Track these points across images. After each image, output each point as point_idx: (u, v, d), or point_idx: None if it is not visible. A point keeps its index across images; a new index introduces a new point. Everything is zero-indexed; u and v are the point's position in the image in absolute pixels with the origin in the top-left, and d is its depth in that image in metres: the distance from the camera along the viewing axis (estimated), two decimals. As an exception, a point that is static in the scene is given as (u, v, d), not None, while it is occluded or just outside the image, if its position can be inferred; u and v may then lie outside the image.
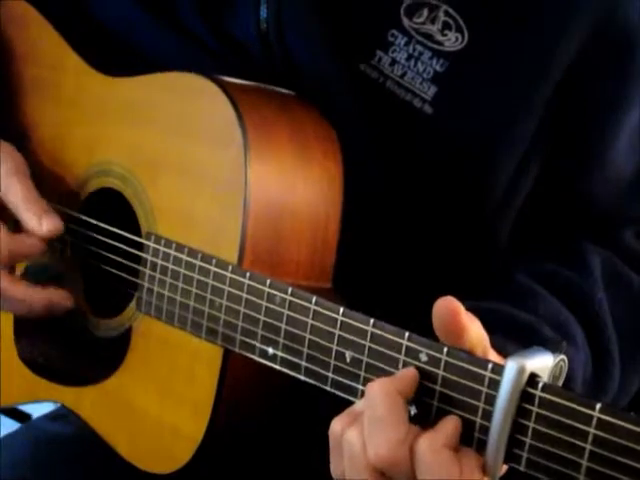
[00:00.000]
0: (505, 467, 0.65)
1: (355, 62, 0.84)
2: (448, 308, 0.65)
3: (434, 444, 0.64)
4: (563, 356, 0.66)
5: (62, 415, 1.00)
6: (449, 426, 0.65)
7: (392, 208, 0.86)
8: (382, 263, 0.88)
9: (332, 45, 0.84)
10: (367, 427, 0.65)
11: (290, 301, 0.75)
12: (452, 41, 0.81)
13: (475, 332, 0.67)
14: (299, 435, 0.83)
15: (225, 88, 0.81)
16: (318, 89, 0.85)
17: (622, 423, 0.59)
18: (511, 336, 0.75)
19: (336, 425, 0.68)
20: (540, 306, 0.81)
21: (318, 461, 0.73)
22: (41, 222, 0.88)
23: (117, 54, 0.94)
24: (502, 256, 0.89)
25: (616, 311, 0.84)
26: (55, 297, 0.90)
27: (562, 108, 0.84)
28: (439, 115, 0.83)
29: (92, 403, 0.91)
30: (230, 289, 0.79)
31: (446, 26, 0.81)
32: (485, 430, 0.64)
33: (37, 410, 1.06)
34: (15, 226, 0.90)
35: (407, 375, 0.67)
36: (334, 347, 0.72)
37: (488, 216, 0.86)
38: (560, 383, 0.67)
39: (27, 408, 1.30)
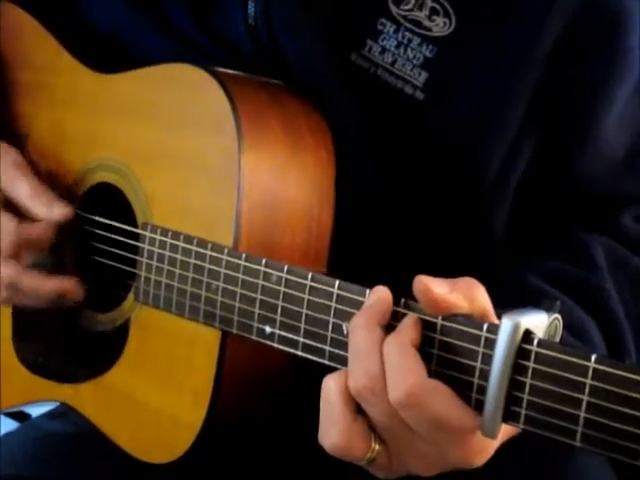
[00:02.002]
0: (504, 427, 0.65)
1: (346, 53, 0.85)
2: (419, 287, 0.66)
3: (399, 341, 0.66)
4: (557, 315, 0.67)
5: (61, 413, 1.00)
6: (408, 322, 0.67)
7: (385, 196, 0.87)
8: (376, 250, 0.88)
9: (322, 37, 0.85)
10: (349, 362, 0.67)
11: (286, 279, 0.76)
12: (440, 26, 0.83)
13: (462, 298, 0.67)
14: (298, 419, 0.83)
15: (218, 78, 0.83)
16: (309, 82, 0.86)
17: (618, 372, 0.60)
18: None
19: (324, 382, 0.69)
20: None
21: (318, 445, 0.73)
22: (52, 209, 0.89)
23: (109, 54, 0.95)
24: (499, 244, 0.89)
25: (623, 298, 0.85)
26: (66, 286, 0.89)
27: (552, 86, 0.85)
28: (430, 101, 0.84)
29: (92, 398, 0.91)
30: (226, 271, 0.79)
31: (434, 12, 0.83)
32: (483, 390, 0.65)
33: (36, 410, 1.06)
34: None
35: (377, 301, 0.68)
36: (331, 320, 0.73)
37: (482, 200, 0.87)
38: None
39: (26, 408, 1.30)
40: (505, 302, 0.78)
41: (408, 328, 0.67)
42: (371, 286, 0.72)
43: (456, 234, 0.88)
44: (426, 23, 0.83)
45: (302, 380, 0.80)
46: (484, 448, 0.68)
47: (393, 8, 0.83)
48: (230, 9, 0.88)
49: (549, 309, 0.66)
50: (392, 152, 0.85)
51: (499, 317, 0.69)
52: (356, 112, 0.85)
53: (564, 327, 0.77)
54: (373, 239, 0.88)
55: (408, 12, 0.83)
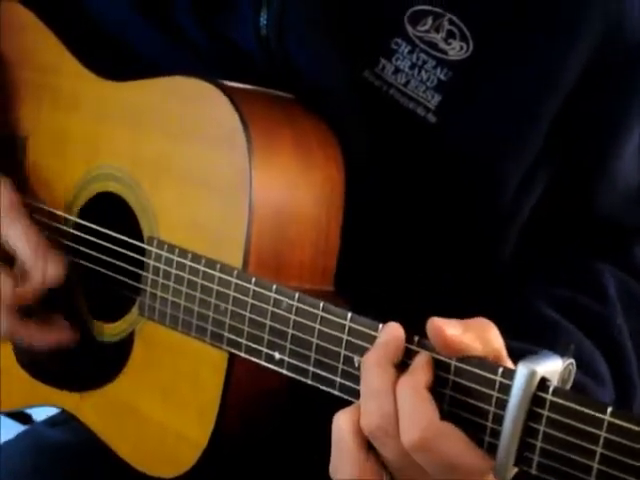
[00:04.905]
0: (515, 469, 0.66)
1: (358, 69, 0.84)
2: (432, 329, 0.66)
3: (412, 383, 0.66)
4: (572, 360, 0.67)
5: (62, 421, 1.00)
6: (421, 363, 0.66)
7: (393, 215, 0.86)
8: (383, 268, 0.88)
9: (335, 52, 0.84)
10: (362, 401, 0.67)
11: (297, 307, 0.75)
12: (456, 50, 0.81)
13: (475, 339, 0.67)
14: (305, 439, 0.84)
15: (228, 93, 0.81)
16: (319, 96, 0.85)
17: (633, 426, 0.60)
18: None
19: (336, 418, 0.69)
20: (563, 341, 0.81)
21: (323, 465, 0.73)
22: (45, 268, 0.89)
23: (115, 58, 0.93)
24: (508, 266, 0.89)
25: (632, 331, 0.85)
26: (59, 340, 0.91)
27: (569, 118, 0.84)
28: (442, 124, 0.83)
29: (94, 408, 0.90)
30: (235, 294, 0.79)
31: (450, 35, 0.81)
32: (496, 434, 0.65)
33: (37, 410, 1.06)
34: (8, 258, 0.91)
35: (389, 339, 0.68)
36: (342, 352, 0.72)
37: (493, 225, 0.86)
38: (568, 386, 0.67)
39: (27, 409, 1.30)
40: (519, 332, 0.79)
41: (421, 369, 0.67)
42: (379, 311, 0.72)
43: (465, 256, 0.88)
44: (442, 46, 0.81)
45: (308, 397, 0.81)
46: None
47: (409, 28, 0.82)
48: (242, 17, 0.86)
49: (564, 354, 0.67)
50: (400, 173, 0.84)
51: (511, 352, 0.70)
52: (365, 130, 0.84)
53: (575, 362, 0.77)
54: (379, 257, 0.87)
55: (424, 33, 0.82)
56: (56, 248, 0.92)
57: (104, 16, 0.95)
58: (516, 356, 0.69)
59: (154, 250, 0.85)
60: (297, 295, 0.75)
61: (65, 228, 0.94)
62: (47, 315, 0.92)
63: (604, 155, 0.86)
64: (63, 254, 0.91)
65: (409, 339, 0.69)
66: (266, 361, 0.77)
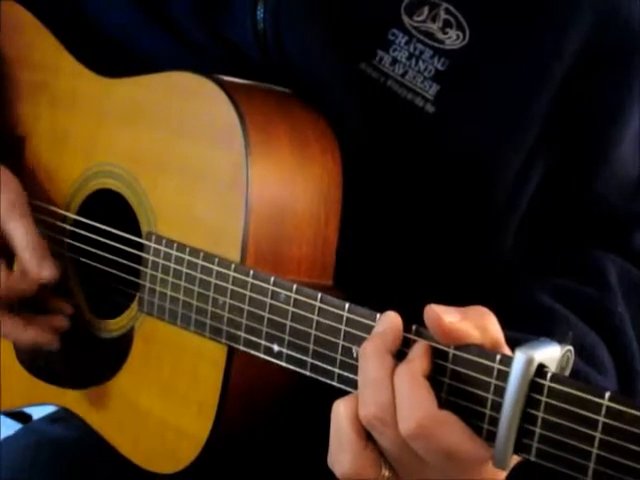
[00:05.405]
0: (517, 458, 0.66)
1: (355, 62, 0.84)
2: (430, 317, 0.66)
3: (410, 371, 0.65)
4: (570, 347, 0.67)
5: (62, 417, 1.00)
6: (419, 352, 0.66)
7: (392, 206, 0.86)
8: (382, 261, 0.88)
9: (331, 45, 0.84)
10: (359, 390, 0.67)
11: (295, 298, 0.75)
12: (453, 39, 0.81)
13: (473, 327, 0.66)
14: (305, 434, 0.84)
15: (225, 88, 0.81)
16: (317, 89, 0.85)
17: (631, 411, 0.60)
18: None
19: (335, 407, 0.69)
20: (562, 330, 0.80)
21: (323, 457, 0.73)
22: (41, 268, 0.89)
23: (113, 56, 0.94)
24: (508, 259, 0.89)
25: (635, 320, 0.85)
26: (40, 339, 0.91)
27: (566, 106, 0.84)
28: (441, 114, 0.83)
29: (94, 405, 0.90)
30: (233, 287, 0.79)
31: (447, 24, 0.81)
32: (495, 421, 0.65)
33: (37, 410, 1.05)
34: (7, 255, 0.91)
35: (387, 328, 0.68)
36: (340, 343, 0.72)
37: (492, 215, 0.86)
38: (567, 373, 0.67)
39: (27, 408, 1.30)
40: (517, 321, 0.79)
41: (418, 358, 0.67)
42: (379, 304, 0.72)
43: (462, 244, 0.88)
44: (439, 35, 0.81)
45: (307, 391, 0.80)
46: (494, 476, 0.68)
47: (405, 19, 0.82)
48: (238, 13, 0.87)
49: (562, 341, 0.66)
50: (399, 164, 0.85)
51: (509, 342, 0.70)
52: (364, 122, 0.84)
53: (575, 351, 0.77)
54: (378, 248, 0.87)
55: (421, 23, 0.82)
56: (55, 248, 0.92)
57: (104, 16, 0.95)
58: (515, 345, 0.69)
59: (152, 245, 0.85)
60: (295, 287, 0.75)
61: (64, 225, 0.94)
62: (32, 314, 0.92)
63: (604, 139, 0.86)
64: (58, 261, 0.91)
65: (407, 328, 0.69)
66: (265, 354, 0.77)
